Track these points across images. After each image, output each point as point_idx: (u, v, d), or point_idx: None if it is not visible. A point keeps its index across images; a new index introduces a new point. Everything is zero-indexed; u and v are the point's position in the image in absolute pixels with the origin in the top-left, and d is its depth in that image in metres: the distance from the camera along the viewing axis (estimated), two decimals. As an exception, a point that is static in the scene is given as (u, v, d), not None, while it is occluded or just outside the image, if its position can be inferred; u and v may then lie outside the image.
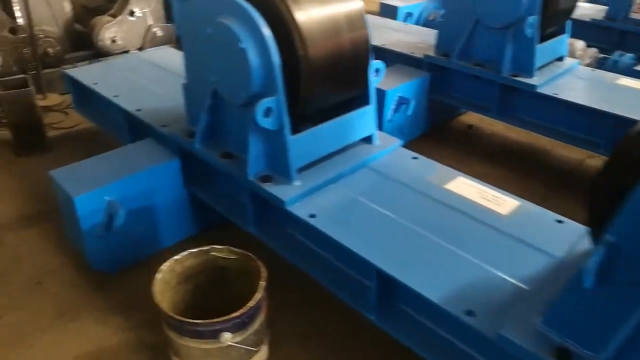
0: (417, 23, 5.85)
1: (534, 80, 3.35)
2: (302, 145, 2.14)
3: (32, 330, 2.31)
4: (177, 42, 5.19)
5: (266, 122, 2.01)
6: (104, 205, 2.35)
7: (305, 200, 2.12)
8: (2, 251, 2.78)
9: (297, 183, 2.15)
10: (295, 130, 2.12)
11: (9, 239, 2.87)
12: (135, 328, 2.33)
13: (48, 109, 4.31)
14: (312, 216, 2.03)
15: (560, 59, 3.70)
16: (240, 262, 2.10)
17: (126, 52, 4.95)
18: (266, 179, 2.17)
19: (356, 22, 2.16)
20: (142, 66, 3.48)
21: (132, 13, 4.85)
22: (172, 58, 3.65)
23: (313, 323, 2.34)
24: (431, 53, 3.81)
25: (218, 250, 2.08)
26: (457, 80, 3.78)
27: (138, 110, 2.87)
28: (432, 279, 1.73)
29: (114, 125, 3.21)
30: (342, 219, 2.03)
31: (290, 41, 1.98)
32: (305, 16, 1.98)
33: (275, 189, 2.12)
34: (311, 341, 2.26)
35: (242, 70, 2.01)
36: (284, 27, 1.98)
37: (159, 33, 5.05)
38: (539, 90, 3.32)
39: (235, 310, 2.16)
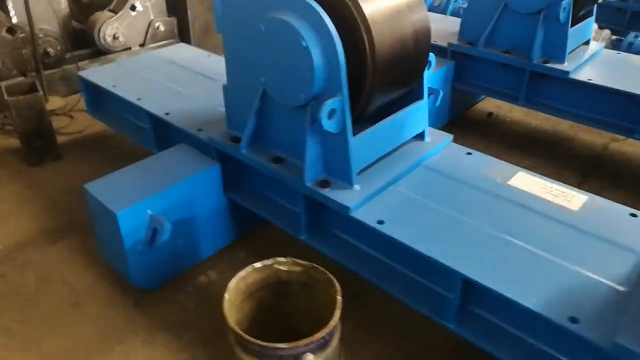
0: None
1: (565, 67, 3.27)
2: (362, 147, 2.02)
3: (78, 358, 2.16)
4: (179, 37, 5.00)
5: (329, 125, 1.88)
6: (147, 219, 2.20)
7: (368, 205, 2.01)
8: (29, 271, 2.61)
9: (357, 187, 2.03)
10: (354, 131, 1.99)
11: (34, 257, 2.69)
12: (188, 348, 2.20)
13: (52, 112, 4.08)
14: (381, 222, 1.92)
15: (586, 43, 3.63)
16: (301, 275, 1.98)
17: (128, 48, 4.74)
18: (324, 184, 2.05)
19: (418, 11, 2.03)
20: (160, 65, 3.30)
21: (133, 8, 4.62)
22: (190, 56, 3.48)
23: (379, 333, 2.25)
24: (455, 41, 3.70)
25: (281, 263, 1.96)
26: (483, 68, 3.68)
27: (167, 113, 2.70)
28: (526, 286, 1.64)
29: (135, 130, 3.03)
30: (412, 224, 1.92)
31: (356, 37, 1.85)
32: (371, 9, 1.85)
33: (336, 195, 2.00)
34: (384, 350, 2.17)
35: (302, 71, 1.88)
36: (348, 22, 1.84)
37: (162, 28, 4.84)
38: (572, 76, 3.24)
39: (298, 325, 2.07)
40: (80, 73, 3.20)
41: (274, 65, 1.99)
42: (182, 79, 3.10)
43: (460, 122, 4.16)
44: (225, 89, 2.33)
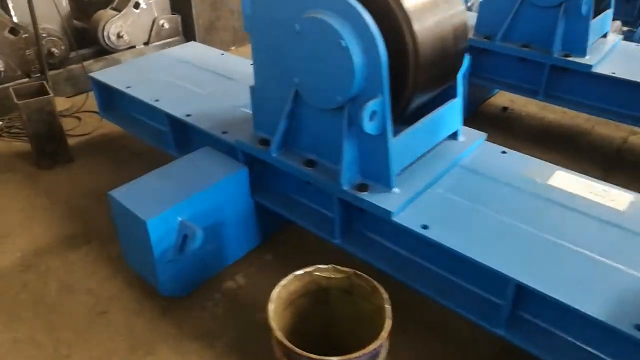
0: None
1: (588, 60, 3.22)
2: (401, 148, 1.96)
3: (109, 370, 2.10)
4: (183, 35, 4.89)
5: (370, 127, 1.81)
6: (177, 226, 2.13)
7: (409, 208, 1.95)
8: (51, 279, 2.53)
9: (396, 190, 1.97)
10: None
11: (55, 264, 2.61)
12: (221, 357, 2.14)
13: (59, 114, 3.98)
14: (425, 227, 1.87)
15: (604, 35, 3.58)
16: (343, 281, 1.92)
17: (132, 47, 4.63)
18: (362, 187, 1.99)
19: (456, 5, 1.97)
20: (174, 65, 3.21)
21: (137, 5, 4.51)
22: (203, 54, 3.39)
23: (417, 336, 2.20)
24: (470, 35, 3.63)
25: (322, 270, 1.90)
26: (500, 62, 3.62)
27: (188, 115, 2.62)
28: (584, 292, 1.59)
29: (152, 132, 2.95)
30: (458, 229, 1.87)
31: (397, 34, 1.78)
32: (412, 4, 1.78)
33: (376, 199, 1.94)
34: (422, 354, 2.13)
35: (340, 71, 1.81)
36: (388, 18, 1.78)
37: (166, 25, 4.74)
38: (594, 70, 3.19)
39: (337, 333, 2.01)
40: (92, 74, 3.10)
41: (308, 66, 1.92)
42: (198, 78, 3.01)
43: (475, 117, 4.11)
44: (253, 91, 2.25)
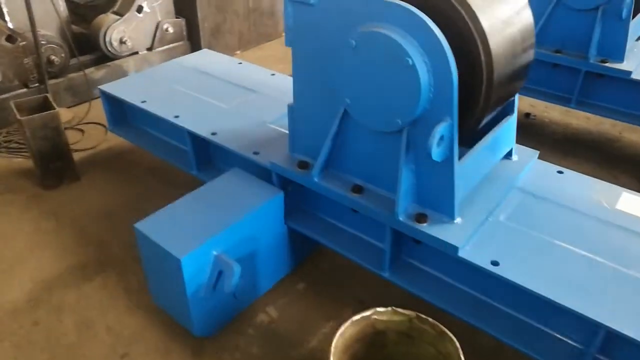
0: None
1: (626, 66, 3.07)
2: (465, 173, 1.77)
3: (139, 422, 1.89)
4: (188, 39, 4.66)
5: (437, 153, 1.62)
6: (211, 261, 1.92)
7: (473, 241, 1.77)
8: (66, 315, 2.30)
9: (459, 221, 1.79)
10: (453, 156, 1.75)
11: (69, 298, 2.39)
12: (264, 404, 1.94)
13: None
14: (495, 264, 1.68)
15: (638, 38, 3.43)
16: (401, 324, 1.73)
17: (135, 53, 4.39)
18: (421, 218, 1.79)
19: (525, 14, 1.79)
20: (190, 76, 2.99)
21: (140, 9, 4.27)
22: (219, 64, 3.17)
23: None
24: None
25: (381, 314, 1.71)
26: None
27: (213, 134, 2.41)
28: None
29: (171, 150, 2.73)
30: (531, 264, 1.69)
31: (469, 51, 1.59)
32: (486, 17, 1.59)
33: (438, 232, 1.75)
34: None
35: (404, 92, 1.61)
36: (459, 34, 1.58)
37: (170, 30, 4.50)
38: (634, 76, 3.03)
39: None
40: (102, 87, 2.87)
41: (364, 85, 1.72)
42: (219, 91, 2.80)
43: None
44: (292, 110, 2.05)
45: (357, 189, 1.94)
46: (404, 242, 1.96)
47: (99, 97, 3.02)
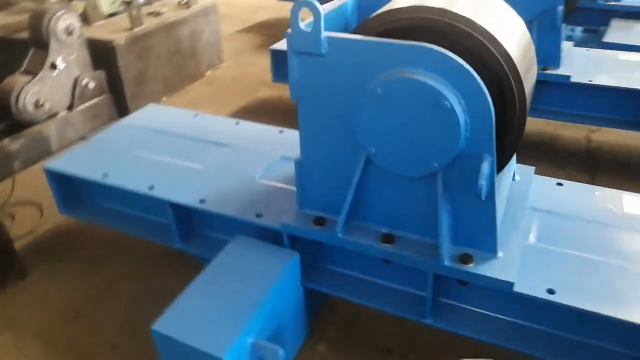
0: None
1: (564, 71, 3.28)
2: (498, 205, 1.74)
3: None
4: (110, 92, 4.28)
5: (483, 190, 1.57)
6: (248, 350, 1.70)
7: (521, 271, 1.73)
8: None
9: (501, 254, 1.75)
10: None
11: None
12: None
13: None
14: (551, 292, 1.66)
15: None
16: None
17: (54, 115, 3.94)
18: (466, 259, 1.73)
19: (531, 48, 1.81)
20: (146, 137, 2.70)
21: (54, 66, 3.84)
22: (173, 118, 2.91)
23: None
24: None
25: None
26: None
27: (202, 201, 2.18)
28: None
29: (143, 224, 2.44)
30: (583, 285, 1.69)
31: (501, 88, 1.57)
32: (514, 52, 1.58)
33: (487, 270, 1.70)
34: None
35: (441, 135, 1.55)
36: (491, 71, 1.55)
37: (91, 84, 4.10)
38: (573, 80, 3.25)
39: None
40: (48, 167, 2.49)
41: (392, 132, 1.63)
42: (187, 150, 2.56)
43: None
44: (300, 165, 1.90)
45: (388, 239, 1.84)
46: (444, 285, 1.88)
47: (21, 171, 2.62)
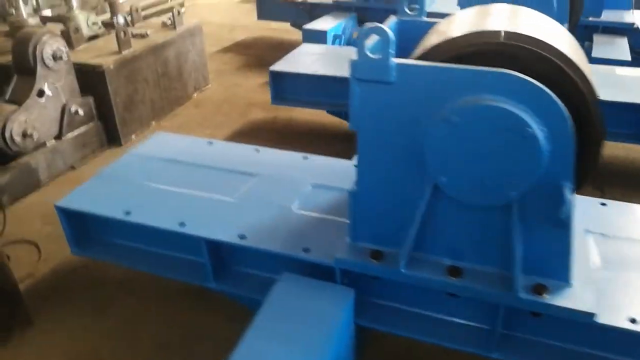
0: (342, 44, 5.54)
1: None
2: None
3: None
4: (99, 119, 4.06)
5: (561, 219, 1.52)
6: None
7: (598, 301, 1.67)
8: None
9: (574, 283, 1.69)
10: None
11: None
12: None
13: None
14: (633, 321, 1.61)
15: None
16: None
17: (42, 145, 3.69)
18: (541, 289, 1.66)
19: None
20: (162, 168, 2.52)
21: (41, 93, 3.61)
22: (187, 147, 2.75)
23: None
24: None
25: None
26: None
27: (241, 237, 2.03)
28: None
29: (168, 264, 2.26)
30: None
31: (582, 111, 1.52)
32: (589, 74, 1.54)
33: (565, 301, 1.63)
34: None
35: (521, 163, 1.49)
36: (569, 95, 1.50)
37: (80, 111, 3.87)
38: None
39: None
40: (60, 204, 2.29)
41: (466, 161, 1.55)
42: (211, 182, 2.40)
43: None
44: (356, 196, 1.80)
45: (455, 271, 1.75)
46: (513, 317, 1.81)
47: (10, 206, 2.40)
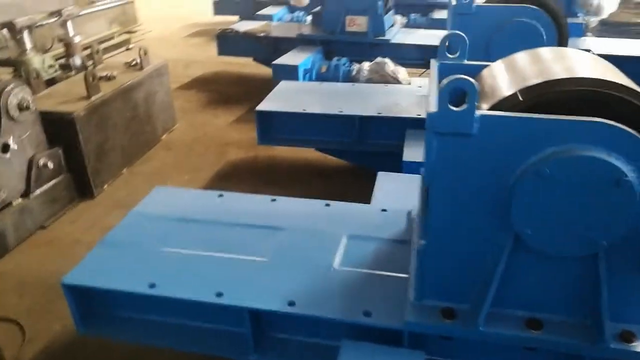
0: (311, 80, 5.46)
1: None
2: None
3: None
4: (69, 171, 3.72)
5: (656, 269, 1.48)
6: None
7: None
8: None
9: (649, 325, 1.65)
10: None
11: None
12: None
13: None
14: None
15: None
16: None
17: (8, 205, 3.30)
18: (628, 336, 1.61)
19: None
20: (173, 228, 2.27)
21: (6, 148, 3.25)
22: (195, 201, 2.52)
23: None
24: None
25: None
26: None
27: (291, 303, 1.85)
28: None
29: (197, 337, 2.02)
30: None
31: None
32: None
33: (659, 347, 1.58)
34: None
35: (614, 211, 1.44)
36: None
37: (50, 164, 3.52)
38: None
39: None
40: (66, 280, 1.99)
41: (554, 213, 1.48)
42: (236, 240, 2.19)
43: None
44: (425, 252, 1.68)
45: (534, 324, 1.66)
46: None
47: None
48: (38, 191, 3.48)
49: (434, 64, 1.95)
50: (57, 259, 3.20)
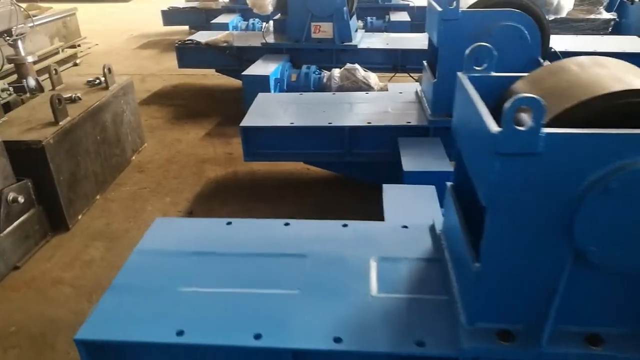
0: (283, 90, 5.34)
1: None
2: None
3: None
4: (39, 204, 3.42)
5: None
6: None
7: None
8: None
9: None
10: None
11: None
12: None
13: None
14: None
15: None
16: None
17: (-23, 248, 2.98)
18: (688, 344, 1.61)
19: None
20: (187, 265, 2.07)
21: (-29, 185, 2.93)
22: (199, 233, 2.32)
23: None
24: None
25: None
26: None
27: (337, 340, 1.73)
28: None
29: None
30: None
31: None
32: None
33: None
34: None
35: (684, 224, 1.42)
36: None
37: (20, 199, 3.21)
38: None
39: None
40: (79, 336, 1.78)
41: (622, 227, 1.45)
42: (258, 272, 2.04)
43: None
44: (481, 275, 1.61)
45: (596, 340, 1.63)
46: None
47: None
48: (8, 229, 3.17)
49: (462, 77, 1.88)
50: (39, 302, 2.93)
